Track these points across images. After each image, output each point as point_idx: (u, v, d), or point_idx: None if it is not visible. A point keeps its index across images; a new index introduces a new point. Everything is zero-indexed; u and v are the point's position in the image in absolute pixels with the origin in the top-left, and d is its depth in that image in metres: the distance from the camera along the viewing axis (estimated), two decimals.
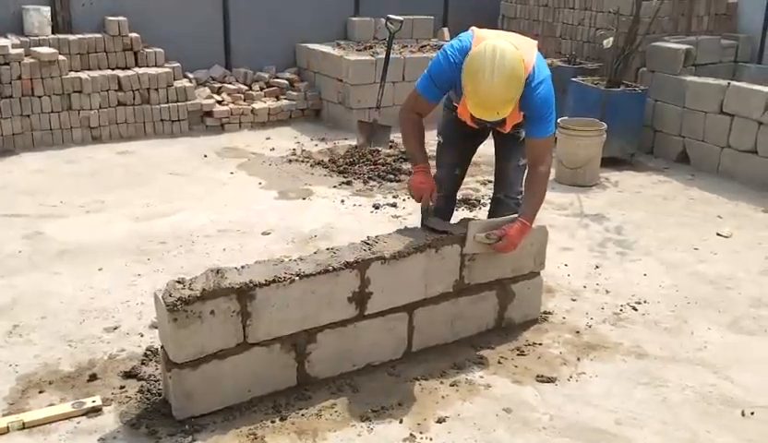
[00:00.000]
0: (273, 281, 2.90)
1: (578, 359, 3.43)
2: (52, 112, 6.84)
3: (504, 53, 3.00)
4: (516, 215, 3.36)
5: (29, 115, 6.74)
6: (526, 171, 3.46)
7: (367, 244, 3.23)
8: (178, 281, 2.86)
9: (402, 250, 3.20)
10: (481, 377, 3.27)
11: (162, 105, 7.31)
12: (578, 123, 6.19)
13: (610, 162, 6.44)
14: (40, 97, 6.75)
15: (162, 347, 2.93)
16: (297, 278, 2.95)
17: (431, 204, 3.48)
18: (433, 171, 3.59)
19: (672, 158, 6.81)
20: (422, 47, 8.38)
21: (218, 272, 2.92)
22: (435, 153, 3.81)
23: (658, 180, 6.33)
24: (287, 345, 3.03)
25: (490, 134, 3.79)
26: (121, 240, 4.70)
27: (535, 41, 3.41)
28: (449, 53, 3.27)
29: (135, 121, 7.21)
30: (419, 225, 3.50)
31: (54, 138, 6.88)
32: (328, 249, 3.21)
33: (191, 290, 2.79)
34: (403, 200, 5.58)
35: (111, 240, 4.70)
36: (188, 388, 2.85)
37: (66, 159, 6.49)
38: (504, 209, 3.73)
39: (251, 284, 2.86)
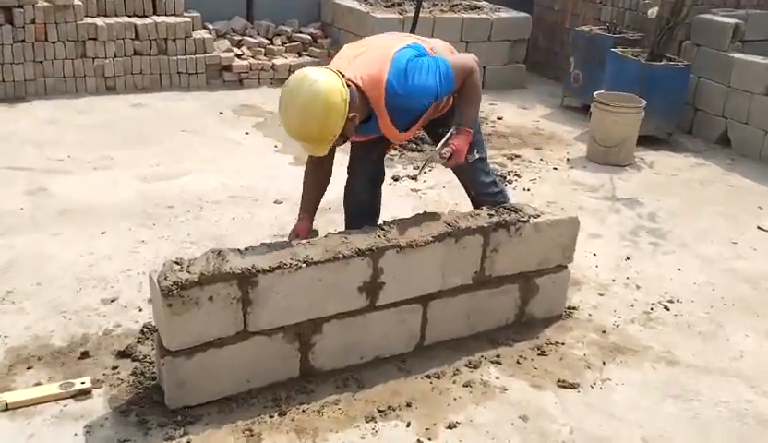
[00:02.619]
0: (278, 267, 2.67)
1: (603, 363, 3.19)
2: (65, 58, 6.61)
3: (300, 86, 2.74)
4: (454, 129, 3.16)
5: (41, 61, 6.52)
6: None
7: (382, 229, 2.98)
8: (176, 262, 2.64)
9: (420, 238, 2.94)
10: (497, 378, 3.04)
11: (180, 57, 7.04)
12: (615, 98, 5.81)
13: (646, 141, 6.09)
14: (53, 43, 6.51)
15: (156, 330, 2.73)
16: (304, 265, 2.72)
17: None
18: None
19: (712, 139, 6.43)
20: (453, 6, 7.98)
21: (219, 254, 2.69)
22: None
23: (696, 163, 5.97)
24: (290, 335, 2.81)
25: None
26: (127, 202, 4.49)
27: (411, 39, 3.19)
28: None
29: (151, 72, 6.95)
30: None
31: (66, 86, 6.65)
32: (339, 233, 2.96)
33: (189, 273, 2.57)
34: (424, 173, 5.30)
35: (116, 201, 4.49)
36: (182, 376, 2.65)
37: (77, 109, 6.27)
38: (483, 205, 3.40)
39: (254, 270, 2.63)
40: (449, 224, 3.05)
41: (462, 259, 3.10)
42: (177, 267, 2.61)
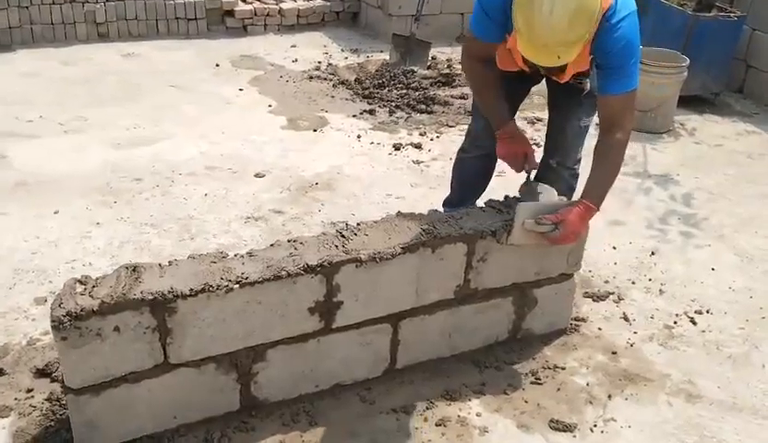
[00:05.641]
0: (202, 290, 2.19)
1: (609, 396, 2.66)
2: (53, 3, 6.14)
3: None
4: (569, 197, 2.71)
5: (27, 7, 6.06)
6: (596, 137, 2.64)
7: (342, 236, 2.47)
8: (80, 281, 2.19)
9: (386, 250, 2.42)
10: (478, 414, 2.54)
11: (178, 1, 6.49)
12: (654, 55, 5.07)
13: (688, 102, 5.38)
14: None
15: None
16: (237, 286, 2.23)
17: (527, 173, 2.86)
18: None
19: (765, 101, 5.68)
20: None
21: (134, 271, 2.22)
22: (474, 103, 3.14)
23: (744, 130, 5.25)
24: (226, 365, 2.36)
25: (543, 80, 2.99)
26: (91, 172, 4.05)
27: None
28: None
29: (146, 18, 6.44)
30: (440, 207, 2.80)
31: (55, 34, 6.19)
32: (289, 241, 2.45)
33: (91, 298, 2.11)
34: (431, 140, 4.73)
35: (79, 171, 4.06)
36: (90, 416, 2.22)
37: (63, 59, 5.81)
38: (556, 181, 2.97)
39: (171, 294, 2.15)
40: (424, 231, 2.52)
41: (442, 272, 2.58)
42: (80, 287, 2.16)
